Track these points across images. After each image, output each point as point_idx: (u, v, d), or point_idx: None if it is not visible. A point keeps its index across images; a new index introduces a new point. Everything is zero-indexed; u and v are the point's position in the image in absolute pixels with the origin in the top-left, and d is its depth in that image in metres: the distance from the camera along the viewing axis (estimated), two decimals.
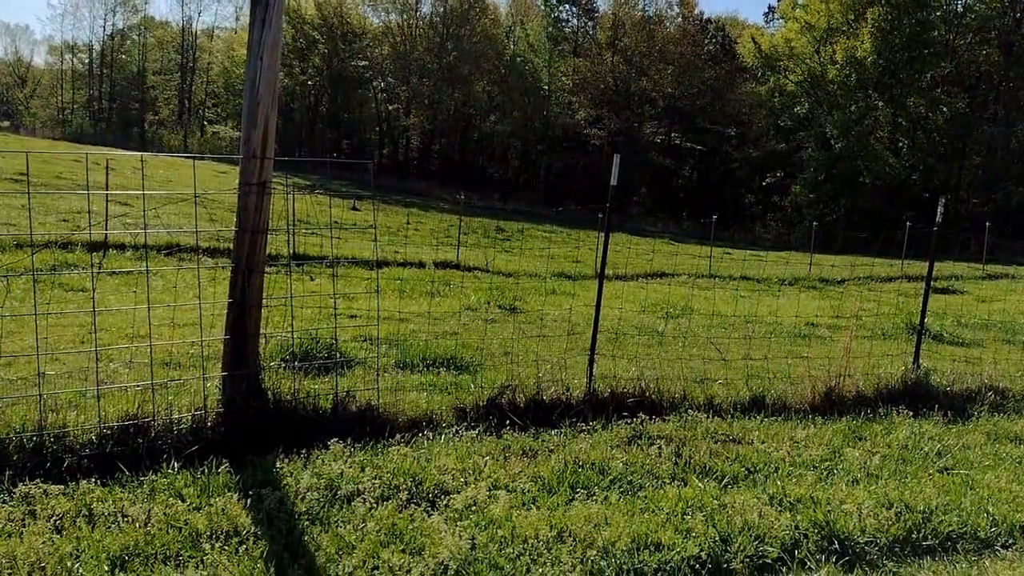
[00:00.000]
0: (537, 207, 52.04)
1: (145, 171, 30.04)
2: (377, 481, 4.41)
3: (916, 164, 50.97)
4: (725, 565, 3.92)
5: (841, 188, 52.02)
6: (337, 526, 3.92)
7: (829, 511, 4.46)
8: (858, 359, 7.79)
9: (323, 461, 4.66)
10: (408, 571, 3.52)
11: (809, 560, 4.01)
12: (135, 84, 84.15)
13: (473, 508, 4.22)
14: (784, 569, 3.92)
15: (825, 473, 5.18)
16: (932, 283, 8.46)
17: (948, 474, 5.33)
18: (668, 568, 3.82)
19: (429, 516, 4.13)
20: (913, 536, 4.33)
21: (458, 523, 4.02)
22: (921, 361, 7.98)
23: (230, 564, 3.50)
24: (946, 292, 19.07)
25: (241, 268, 5.18)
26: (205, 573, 3.45)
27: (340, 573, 3.50)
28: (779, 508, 4.51)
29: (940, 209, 8.25)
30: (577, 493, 4.56)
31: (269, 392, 5.21)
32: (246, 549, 3.64)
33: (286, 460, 4.66)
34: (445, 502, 4.28)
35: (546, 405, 5.94)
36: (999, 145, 50.46)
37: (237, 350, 5.20)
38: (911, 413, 6.69)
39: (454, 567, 3.57)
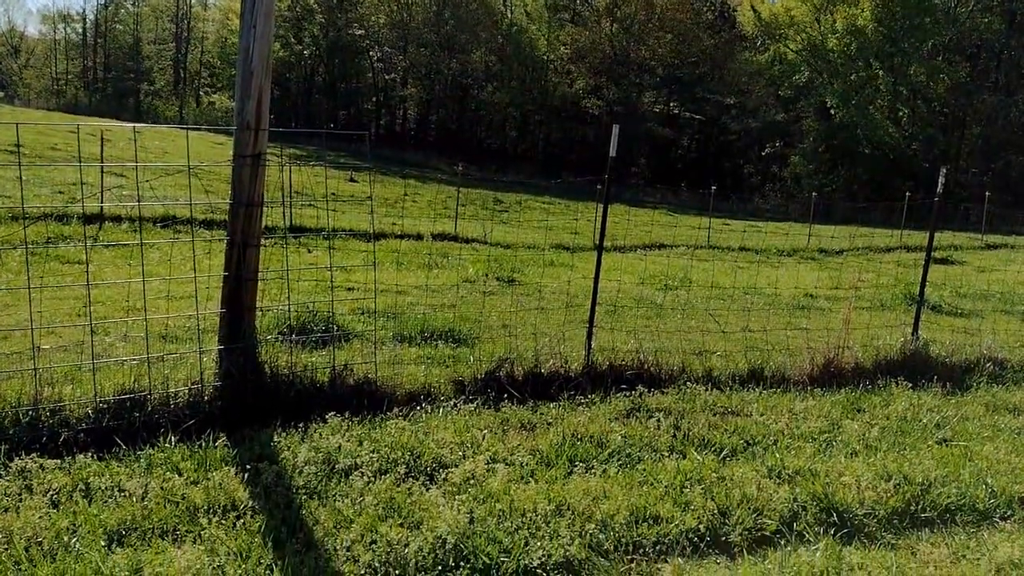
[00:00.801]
0: (535, 178, 51.77)
1: (141, 142, 29.83)
2: (375, 455, 4.40)
3: (916, 134, 50.69)
4: (723, 538, 3.92)
5: (840, 158, 51.80)
6: (335, 500, 3.91)
7: (828, 483, 4.46)
8: (857, 330, 7.77)
9: (321, 435, 4.64)
10: (406, 545, 3.51)
11: (808, 532, 4.01)
12: (129, 54, 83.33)
13: (471, 482, 4.21)
14: (783, 542, 3.93)
15: (824, 445, 5.18)
16: (931, 253, 8.43)
17: (947, 446, 5.34)
18: (667, 541, 3.82)
19: (427, 490, 4.12)
20: (912, 508, 4.33)
21: (456, 497, 4.01)
22: (920, 332, 7.97)
23: (228, 538, 3.49)
24: (945, 262, 19.05)
25: (237, 241, 5.13)
26: (203, 548, 3.44)
27: (338, 547, 3.50)
28: (778, 480, 4.51)
29: (941, 179, 8.19)
30: (576, 466, 4.56)
31: (266, 365, 5.19)
32: (244, 523, 3.64)
33: (284, 434, 4.65)
34: (443, 476, 4.28)
35: (544, 378, 5.93)
36: (1000, 114, 50.15)
37: (233, 323, 5.17)
38: (910, 384, 6.69)
39: (452, 541, 3.56)
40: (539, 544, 3.65)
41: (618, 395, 5.83)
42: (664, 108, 63.32)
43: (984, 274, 16.37)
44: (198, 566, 3.28)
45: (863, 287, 13.33)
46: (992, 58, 53.16)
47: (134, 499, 3.79)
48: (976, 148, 51.57)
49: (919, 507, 4.34)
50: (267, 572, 3.28)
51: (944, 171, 8.37)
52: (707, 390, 6.14)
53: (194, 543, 3.49)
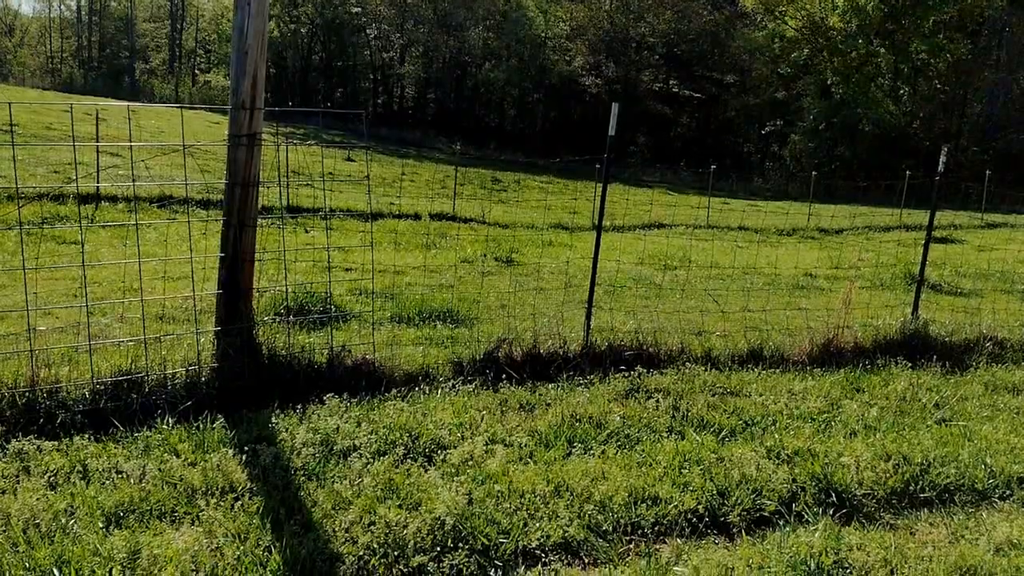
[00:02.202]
0: (534, 157, 51.57)
1: (137, 121, 29.66)
2: (373, 436, 4.39)
3: (916, 112, 50.44)
4: (722, 519, 3.91)
5: (841, 137, 51.55)
6: (333, 481, 3.90)
7: (827, 464, 4.45)
8: (856, 310, 7.75)
9: (319, 416, 4.63)
10: (405, 526, 3.51)
11: (807, 513, 4.01)
12: (124, 32, 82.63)
13: (470, 463, 4.20)
14: (781, 522, 3.92)
15: (823, 425, 5.17)
16: (932, 233, 8.39)
17: (946, 425, 5.33)
18: (665, 522, 3.82)
19: (426, 471, 4.11)
20: (911, 488, 4.32)
21: (455, 478, 4.00)
22: (920, 311, 7.95)
23: (226, 520, 3.48)
24: (945, 241, 19.00)
25: (233, 221, 5.08)
26: (201, 529, 3.43)
27: (336, 528, 3.49)
28: (777, 461, 4.50)
29: (943, 158, 8.13)
30: (574, 447, 4.55)
31: (264, 347, 5.17)
32: (242, 505, 3.63)
33: (282, 415, 4.63)
34: (442, 457, 4.27)
35: (543, 359, 5.91)
36: (1001, 92, 49.87)
37: (230, 304, 5.14)
38: (909, 364, 6.68)
39: (451, 522, 3.56)
40: (538, 525, 3.64)
41: (617, 376, 5.81)
42: (663, 86, 62.92)
43: (984, 253, 16.34)
44: (196, 548, 3.27)
45: (863, 267, 13.30)
46: (994, 36, 52.76)
47: (132, 481, 3.78)
48: (977, 126, 51.31)
49: (918, 487, 4.34)
50: (265, 554, 3.27)
51: (946, 150, 8.31)
52: (706, 370, 6.12)
53: (192, 525, 3.48)
